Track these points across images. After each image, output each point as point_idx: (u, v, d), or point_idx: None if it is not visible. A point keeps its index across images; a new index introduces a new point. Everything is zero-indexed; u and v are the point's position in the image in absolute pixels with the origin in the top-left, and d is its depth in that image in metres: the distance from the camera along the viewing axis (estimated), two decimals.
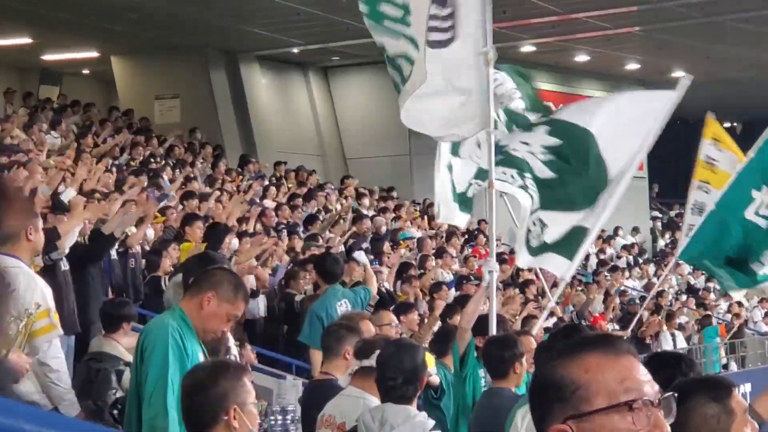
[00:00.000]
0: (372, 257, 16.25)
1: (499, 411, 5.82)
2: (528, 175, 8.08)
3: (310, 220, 18.35)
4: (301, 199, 19.95)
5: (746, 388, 18.73)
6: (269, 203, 19.07)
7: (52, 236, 9.08)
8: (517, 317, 14.52)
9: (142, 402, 4.90)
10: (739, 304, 23.21)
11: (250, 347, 9.25)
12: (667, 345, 19.49)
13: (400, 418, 4.86)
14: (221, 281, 5.05)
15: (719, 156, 11.84)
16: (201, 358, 4.99)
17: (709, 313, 21.51)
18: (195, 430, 3.97)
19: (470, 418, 6.77)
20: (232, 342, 6.44)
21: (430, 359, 6.18)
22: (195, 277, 5.23)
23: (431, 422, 4.97)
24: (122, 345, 8.17)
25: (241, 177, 20.80)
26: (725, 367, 20.23)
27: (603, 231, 25.63)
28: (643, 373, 2.07)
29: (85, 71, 27.07)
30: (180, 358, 4.86)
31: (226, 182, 19.69)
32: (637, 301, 21.27)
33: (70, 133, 19.27)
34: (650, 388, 2.06)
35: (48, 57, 25.03)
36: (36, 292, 6.79)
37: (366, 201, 21.99)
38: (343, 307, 9.47)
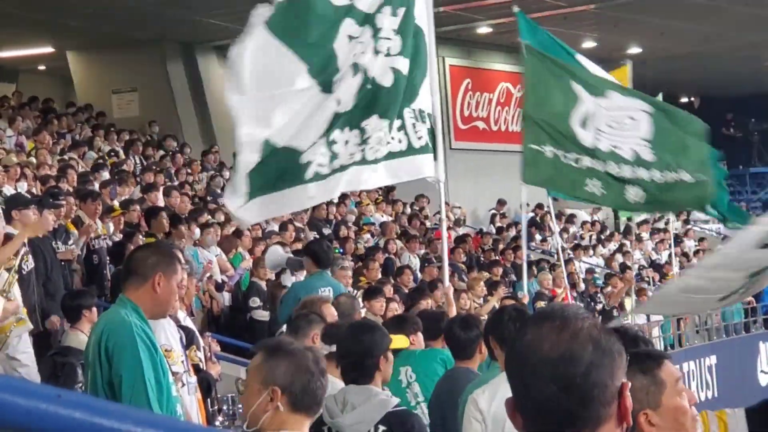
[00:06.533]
0: (336, 244, 16.25)
1: (462, 394, 5.72)
2: None
3: None
4: None
5: (712, 360, 18.93)
6: None
7: None
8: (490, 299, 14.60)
9: (113, 400, 4.83)
10: None
11: (209, 335, 9.22)
12: (639, 319, 19.59)
13: (361, 398, 4.85)
14: (161, 259, 4.95)
15: None
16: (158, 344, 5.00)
17: None
18: None
19: (430, 399, 6.67)
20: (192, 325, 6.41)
21: (403, 340, 6.07)
22: (130, 265, 5.04)
23: (395, 400, 4.92)
24: (87, 334, 8.19)
25: (201, 169, 20.69)
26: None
27: (565, 210, 25.71)
28: None
29: (41, 67, 26.82)
30: (150, 355, 4.83)
31: (185, 175, 19.60)
32: (597, 276, 21.44)
33: (27, 130, 19.07)
34: None
35: (2, 54, 24.80)
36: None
37: None
38: (325, 293, 9.48)
